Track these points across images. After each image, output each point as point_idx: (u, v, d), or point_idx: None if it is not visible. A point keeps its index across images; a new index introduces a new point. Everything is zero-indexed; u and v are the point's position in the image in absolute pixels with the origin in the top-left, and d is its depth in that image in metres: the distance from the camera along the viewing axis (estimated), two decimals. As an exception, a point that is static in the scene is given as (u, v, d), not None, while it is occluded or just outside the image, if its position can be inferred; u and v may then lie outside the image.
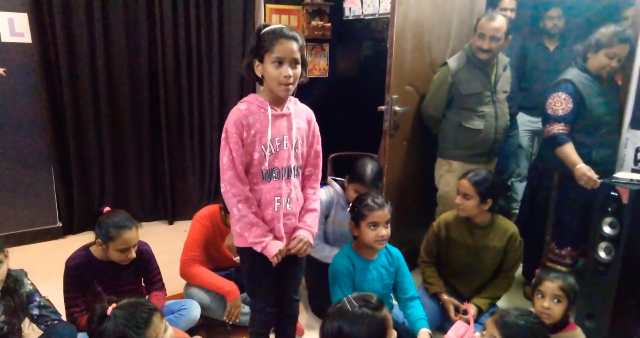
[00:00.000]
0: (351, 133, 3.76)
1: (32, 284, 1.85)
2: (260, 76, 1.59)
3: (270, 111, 1.58)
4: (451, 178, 2.65)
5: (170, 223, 3.70)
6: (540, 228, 2.62)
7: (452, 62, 2.58)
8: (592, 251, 2.26)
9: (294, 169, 1.67)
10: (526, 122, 3.45)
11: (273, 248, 1.61)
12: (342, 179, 2.49)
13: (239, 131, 1.56)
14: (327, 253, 2.38)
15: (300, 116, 1.68)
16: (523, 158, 3.57)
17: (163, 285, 2.21)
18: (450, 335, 1.99)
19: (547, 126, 2.45)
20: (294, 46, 1.52)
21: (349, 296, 1.30)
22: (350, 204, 2.03)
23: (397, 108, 2.53)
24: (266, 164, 1.59)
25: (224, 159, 1.59)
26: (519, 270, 2.78)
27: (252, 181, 1.62)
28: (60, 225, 3.35)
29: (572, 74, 2.42)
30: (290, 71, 1.52)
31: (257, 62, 1.57)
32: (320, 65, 4.25)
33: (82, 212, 3.42)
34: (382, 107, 2.55)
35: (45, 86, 3.10)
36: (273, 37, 1.52)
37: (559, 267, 2.54)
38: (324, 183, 2.52)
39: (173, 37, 3.44)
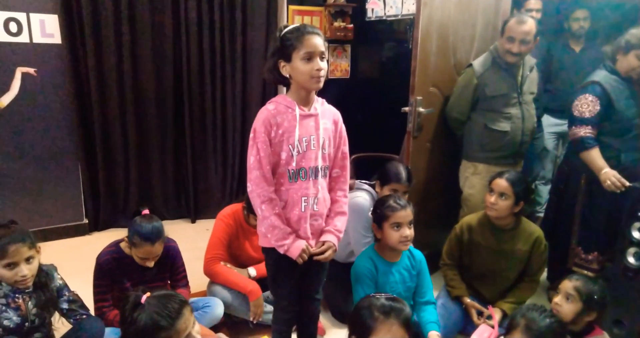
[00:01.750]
0: (372, 135, 3.75)
1: (61, 279, 1.90)
2: (288, 76, 1.59)
3: (298, 111, 1.59)
4: (476, 180, 2.63)
5: (193, 222, 3.75)
6: (566, 232, 2.58)
7: (477, 64, 2.56)
8: (621, 257, 2.22)
9: (321, 170, 1.66)
10: (551, 124, 3.40)
11: (295, 249, 1.62)
12: (368, 182, 2.50)
13: (267, 130, 1.57)
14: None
15: (327, 116, 1.68)
16: (548, 161, 3.51)
17: (187, 282, 2.25)
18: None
19: (573, 129, 2.41)
20: (320, 41, 1.55)
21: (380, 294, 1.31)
22: (372, 207, 2.03)
23: (421, 109, 2.52)
24: (293, 164, 1.59)
25: (251, 159, 1.60)
26: (544, 274, 2.74)
27: (279, 181, 1.62)
28: (87, 221, 3.42)
29: (600, 75, 2.38)
30: (320, 64, 1.54)
31: (282, 63, 1.58)
32: (342, 66, 4.26)
33: (108, 209, 3.49)
34: (406, 109, 2.54)
35: (73, 86, 3.18)
36: (298, 34, 1.54)
37: (585, 272, 2.49)
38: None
39: (197, 38, 3.49)
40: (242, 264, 2.41)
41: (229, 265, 2.32)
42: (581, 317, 1.65)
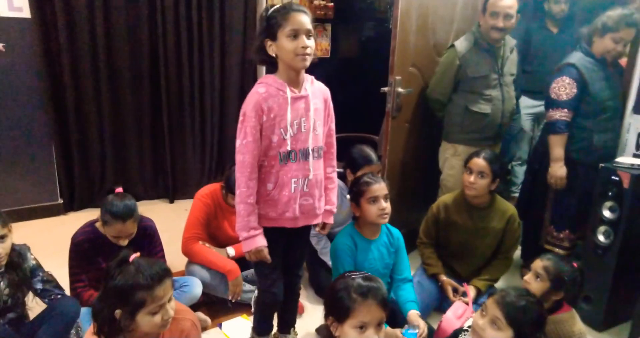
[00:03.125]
0: (353, 115, 3.74)
1: (35, 259, 1.87)
2: (274, 55, 1.56)
3: (289, 93, 1.56)
4: (456, 161, 2.65)
5: (171, 202, 3.71)
6: (539, 211, 2.64)
7: (460, 45, 2.55)
8: (592, 235, 2.29)
9: (313, 151, 1.64)
10: (528, 105, 3.44)
11: (250, 245, 1.62)
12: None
13: (257, 115, 1.54)
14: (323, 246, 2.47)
15: (317, 95, 1.66)
16: (524, 142, 3.57)
17: (165, 262, 2.23)
18: (449, 316, 2.02)
19: (550, 111, 2.45)
20: (307, 18, 1.53)
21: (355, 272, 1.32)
22: (348, 189, 2.04)
23: (400, 90, 2.51)
24: (285, 147, 1.58)
25: (238, 142, 1.57)
26: (517, 252, 2.81)
27: (269, 163, 1.61)
28: (61, 201, 3.36)
29: (576, 58, 2.40)
30: (307, 41, 1.51)
31: (269, 42, 1.55)
32: (322, 45, 4.20)
33: (83, 189, 3.43)
34: (385, 89, 2.53)
35: (44, 63, 3.07)
36: (284, 12, 1.52)
37: (556, 250, 2.56)
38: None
39: (174, 16, 3.39)
40: (221, 244, 2.40)
41: (207, 245, 2.32)
42: (549, 295, 1.69)
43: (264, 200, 1.64)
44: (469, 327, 1.59)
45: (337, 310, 1.33)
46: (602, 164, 2.24)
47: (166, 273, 1.38)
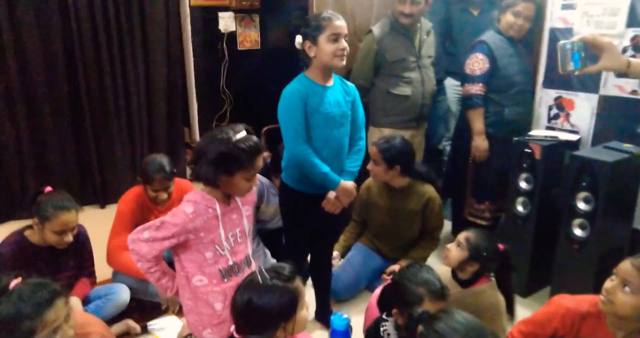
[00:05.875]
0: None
1: None
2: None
3: (219, 210, 1.48)
4: (381, 145, 2.70)
5: (102, 207, 3.56)
6: (463, 185, 2.74)
7: (377, 30, 2.58)
8: (511, 206, 2.39)
9: (252, 254, 1.65)
10: (454, 85, 3.53)
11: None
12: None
13: (180, 233, 1.44)
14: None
15: (249, 201, 1.63)
16: (452, 122, 3.67)
17: (94, 272, 2.15)
18: (373, 302, 2.04)
19: (465, 86, 2.56)
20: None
21: (261, 268, 1.29)
22: (302, 29, 1.84)
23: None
24: (225, 262, 1.53)
25: (146, 234, 1.45)
26: (449, 228, 2.91)
27: (210, 281, 1.51)
28: (-22, 215, 3.14)
29: (487, 35, 2.53)
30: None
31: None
32: (251, 36, 4.14)
33: (2, 201, 3.22)
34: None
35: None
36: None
37: (479, 221, 2.68)
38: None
39: (88, 6, 3.22)
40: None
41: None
42: (465, 264, 1.75)
43: (214, 324, 1.54)
44: (388, 315, 1.59)
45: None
46: (516, 138, 2.35)
47: (55, 294, 1.26)
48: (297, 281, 1.29)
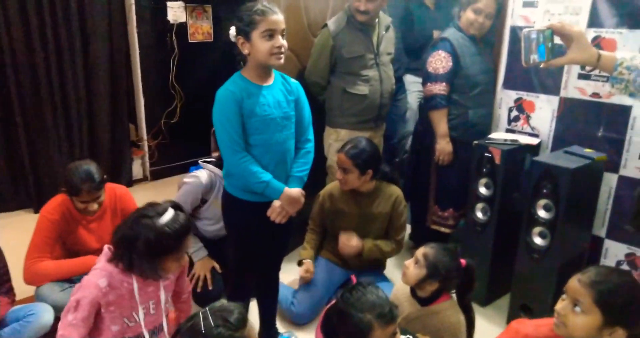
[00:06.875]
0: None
1: None
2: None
3: (135, 284, 1.45)
4: (339, 146, 2.55)
5: (37, 212, 3.26)
6: (424, 191, 2.62)
7: (332, 24, 2.42)
8: (470, 212, 2.30)
9: (165, 321, 1.60)
10: (414, 82, 3.42)
11: None
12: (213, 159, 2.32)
13: (91, 309, 1.42)
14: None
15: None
16: (412, 121, 3.57)
17: (11, 288, 1.91)
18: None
19: (428, 85, 2.43)
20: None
21: (206, 311, 1.10)
22: (234, 23, 1.66)
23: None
24: (134, 331, 1.52)
25: (69, 316, 1.42)
26: (407, 234, 2.80)
27: None
28: None
29: (449, 32, 2.42)
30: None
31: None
32: (203, 28, 3.91)
33: None
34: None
35: None
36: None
37: (442, 229, 2.58)
38: (198, 166, 2.32)
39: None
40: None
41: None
42: (423, 283, 1.63)
43: None
44: None
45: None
46: (476, 142, 2.25)
47: None
48: (246, 331, 1.11)
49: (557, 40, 1.31)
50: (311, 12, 2.57)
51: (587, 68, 1.31)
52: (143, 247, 1.36)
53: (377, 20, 2.47)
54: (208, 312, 1.08)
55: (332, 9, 2.67)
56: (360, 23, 2.40)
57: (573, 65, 2.06)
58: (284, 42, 1.59)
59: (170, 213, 1.40)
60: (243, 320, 1.09)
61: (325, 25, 2.45)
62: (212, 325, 1.05)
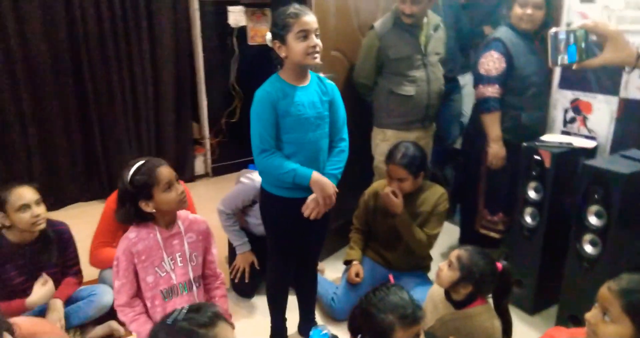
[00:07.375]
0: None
1: None
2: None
3: (159, 235, 1.64)
4: (386, 147, 2.53)
5: (108, 203, 3.56)
6: (474, 195, 2.56)
7: (379, 25, 2.43)
8: (519, 217, 2.22)
9: (195, 281, 1.73)
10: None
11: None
12: None
13: (128, 259, 1.62)
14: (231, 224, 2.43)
15: (193, 229, 1.74)
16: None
17: (80, 270, 2.12)
18: None
19: (480, 87, 2.36)
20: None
21: (183, 307, 1.13)
22: (270, 28, 1.75)
23: (320, 75, 2.39)
24: (165, 284, 1.66)
25: (115, 283, 1.65)
26: (456, 238, 2.75)
27: (152, 303, 1.67)
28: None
29: (501, 31, 2.33)
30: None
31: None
32: (262, 31, 4.05)
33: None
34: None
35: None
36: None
37: (492, 234, 2.50)
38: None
39: (94, 1, 3.19)
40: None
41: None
42: (457, 286, 1.61)
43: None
44: None
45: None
46: (525, 144, 2.17)
47: None
48: (215, 331, 1.10)
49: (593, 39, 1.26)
50: (361, 14, 2.59)
51: (627, 69, 1.23)
52: (121, 199, 1.61)
53: (425, 20, 2.45)
54: (185, 308, 1.13)
55: (382, 10, 2.68)
56: (407, 24, 2.39)
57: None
58: (319, 42, 1.64)
59: (137, 164, 1.61)
60: (211, 319, 1.10)
61: (372, 26, 2.47)
62: (179, 318, 1.10)
